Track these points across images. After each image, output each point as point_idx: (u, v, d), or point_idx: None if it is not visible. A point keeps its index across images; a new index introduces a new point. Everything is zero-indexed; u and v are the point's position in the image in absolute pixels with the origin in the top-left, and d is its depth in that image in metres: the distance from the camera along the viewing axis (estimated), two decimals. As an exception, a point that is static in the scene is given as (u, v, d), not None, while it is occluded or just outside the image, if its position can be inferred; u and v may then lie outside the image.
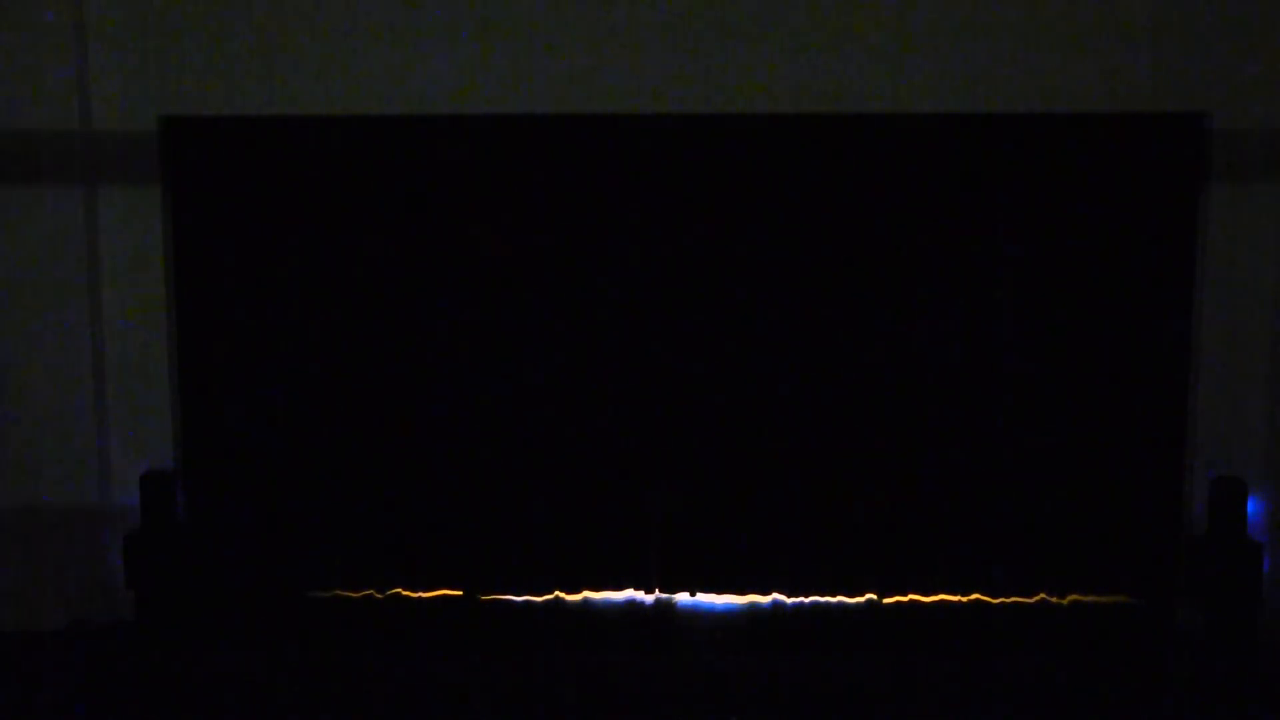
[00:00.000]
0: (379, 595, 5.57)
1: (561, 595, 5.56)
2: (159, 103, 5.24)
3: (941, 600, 5.50)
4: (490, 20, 5.16)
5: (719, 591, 5.54)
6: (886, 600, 5.51)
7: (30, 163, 5.26)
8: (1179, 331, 5.35)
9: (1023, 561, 5.47)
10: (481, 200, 5.44)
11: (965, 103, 5.19)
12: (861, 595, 5.52)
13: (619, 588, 5.57)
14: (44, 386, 5.36)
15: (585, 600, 5.56)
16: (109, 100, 5.23)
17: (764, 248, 5.42)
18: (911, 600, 5.51)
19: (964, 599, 5.50)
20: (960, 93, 5.17)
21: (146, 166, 5.30)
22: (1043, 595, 5.50)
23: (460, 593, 5.57)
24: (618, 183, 5.42)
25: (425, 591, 5.58)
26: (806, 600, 5.53)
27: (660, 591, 5.56)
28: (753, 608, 5.51)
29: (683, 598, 5.54)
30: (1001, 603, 5.49)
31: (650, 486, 5.52)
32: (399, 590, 5.57)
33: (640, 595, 5.55)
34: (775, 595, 5.53)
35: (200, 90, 5.24)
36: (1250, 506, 5.19)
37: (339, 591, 5.58)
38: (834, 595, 5.53)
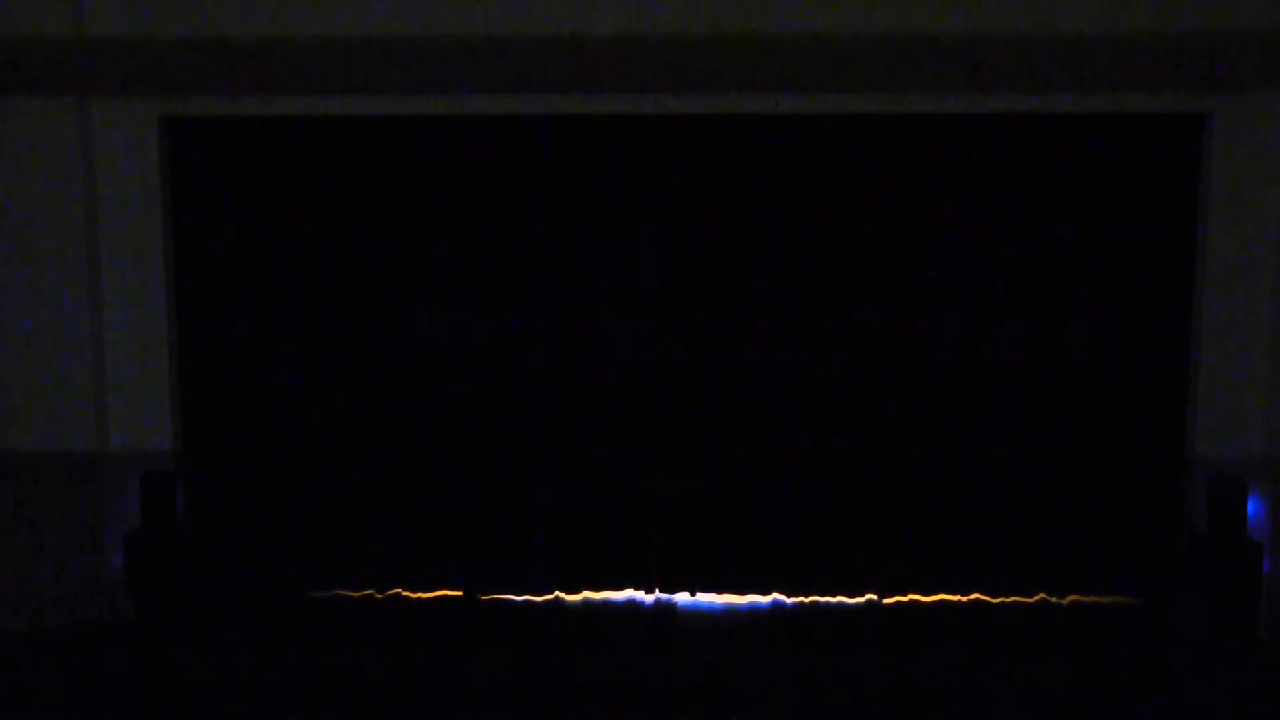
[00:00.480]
0: (379, 595, 5.58)
1: (561, 595, 5.56)
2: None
3: (941, 600, 5.51)
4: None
5: (719, 591, 5.55)
6: (886, 600, 5.51)
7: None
8: (1179, 332, 5.36)
9: (1023, 561, 5.47)
10: (482, 198, 5.44)
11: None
12: (861, 595, 5.53)
13: (619, 588, 5.57)
14: (45, 386, 5.37)
15: (585, 600, 5.56)
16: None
17: (764, 249, 5.42)
18: (911, 600, 5.51)
19: (964, 599, 5.51)
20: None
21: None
22: (1043, 595, 5.50)
23: (460, 593, 5.57)
24: (617, 184, 5.42)
25: (425, 592, 5.58)
26: (806, 600, 5.54)
27: (660, 591, 5.56)
28: (753, 608, 5.52)
29: (683, 598, 5.55)
30: (1001, 603, 5.50)
31: (650, 487, 5.53)
32: (399, 590, 5.58)
33: (640, 595, 5.56)
34: (775, 595, 5.54)
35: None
36: (1250, 506, 5.19)
37: (339, 591, 5.59)
38: (834, 595, 5.53)
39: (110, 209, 5.34)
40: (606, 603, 5.55)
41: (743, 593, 5.53)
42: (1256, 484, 5.25)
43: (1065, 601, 5.48)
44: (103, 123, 5.28)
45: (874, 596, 5.51)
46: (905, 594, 5.51)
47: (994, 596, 5.51)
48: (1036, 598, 5.50)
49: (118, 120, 5.28)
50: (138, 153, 5.32)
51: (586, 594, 5.56)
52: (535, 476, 5.53)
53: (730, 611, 5.50)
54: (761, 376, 5.47)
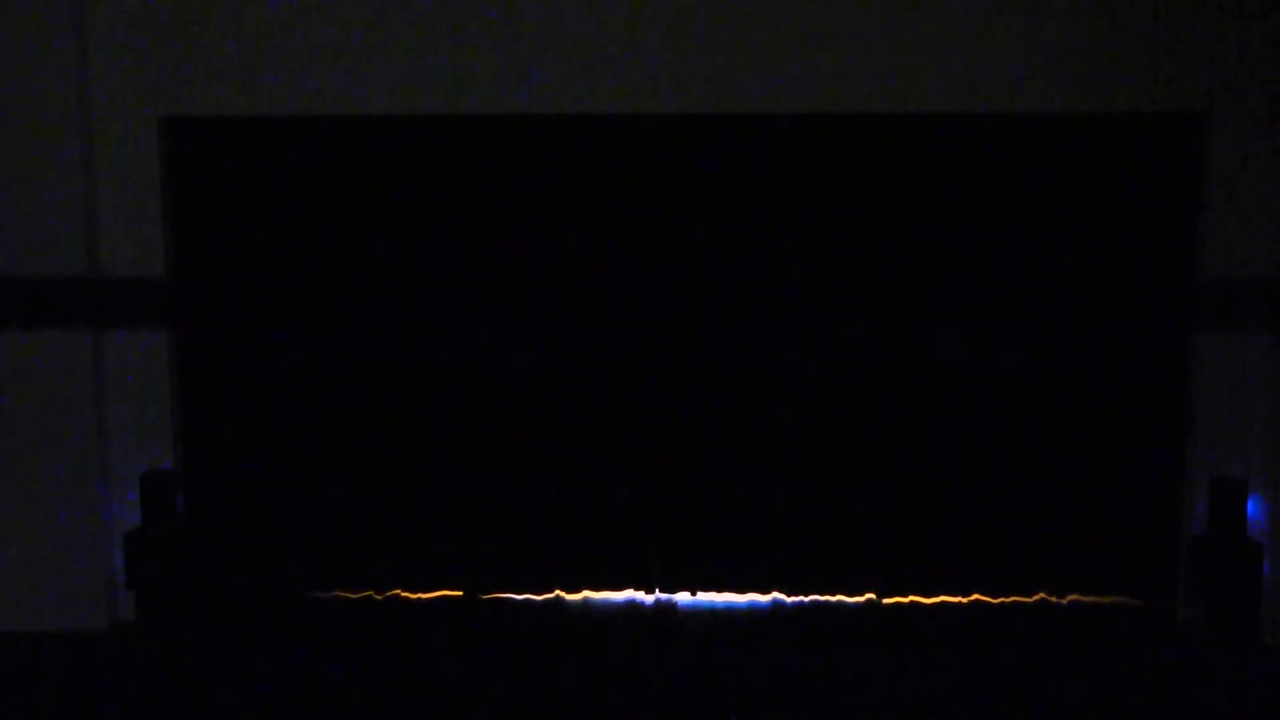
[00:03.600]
0: (378, 596, 5.58)
1: (562, 595, 5.57)
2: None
3: (941, 601, 5.51)
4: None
5: (719, 591, 5.55)
6: (886, 600, 5.51)
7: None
8: (1179, 331, 5.36)
9: (1023, 561, 5.47)
10: (481, 200, 5.44)
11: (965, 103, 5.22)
12: (861, 595, 5.53)
13: (619, 588, 5.57)
14: (45, 387, 5.36)
15: (585, 600, 5.56)
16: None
17: (761, 246, 5.42)
18: (911, 600, 5.51)
19: (964, 599, 5.51)
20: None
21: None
22: (1043, 595, 5.50)
23: (460, 593, 5.57)
24: (616, 183, 5.42)
25: (425, 592, 5.58)
26: (806, 600, 5.54)
27: (660, 591, 5.56)
28: (753, 607, 5.52)
29: (683, 598, 5.55)
30: (1001, 603, 5.50)
31: (650, 486, 5.53)
32: (399, 591, 5.58)
33: (640, 595, 5.56)
34: (775, 595, 5.54)
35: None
36: (1250, 506, 5.19)
37: (338, 592, 5.58)
38: (834, 595, 5.53)
39: (110, 208, 5.33)
40: (606, 603, 5.55)
41: (743, 592, 5.54)
42: (1256, 484, 5.24)
43: (1065, 601, 5.49)
44: (102, 121, 5.28)
45: (874, 596, 5.51)
46: (905, 594, 5.52)
47: (994, 596, 5.51)
48: (1036, 598, 5.50)
49: (117, 119, 5.28)
50: (137, 152, 5.31)
51: (586, 594, 5.56)
52: (535, 476, 5.53)
53: (730, 611, 5.50)
54: (761, 376, 5.48)
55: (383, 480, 5.54)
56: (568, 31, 5.19)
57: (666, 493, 5.53)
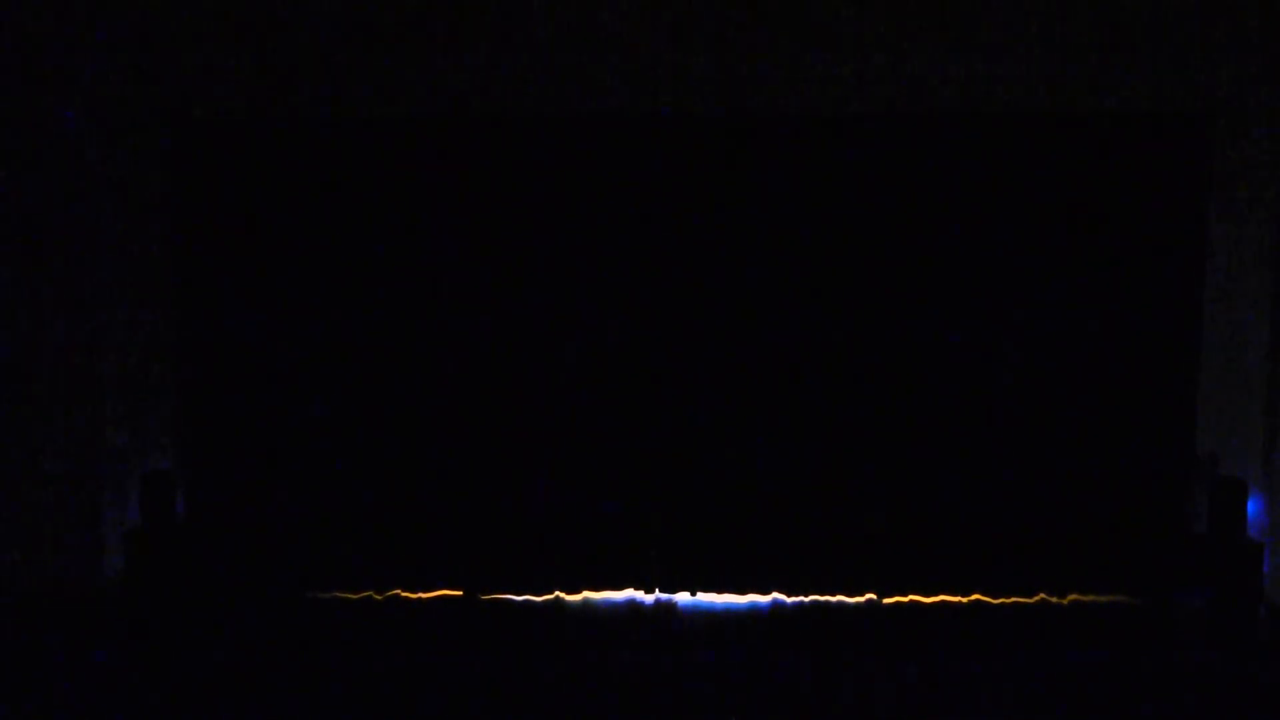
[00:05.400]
0: (378, 596, 5.58)
1: (561, 595, 5.56)
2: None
3: (941, 600, 5.51)
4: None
5: (719, 591, 5.55)
6: (886, 600, 5.51)
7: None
8: (1181, 332, 5.36)
9: (1023, 561, 5.47)
10: (483, 199, 5.44)
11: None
12: (861, 595, 5.53)
13: (619, 588, 5.57)
14: (46, 387, 5.36)
15: (585, 600, 5.56)
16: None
17: (759, 249, 5.43)
18: (911, 600, 5.51)
19: (964, 599, 5.51)
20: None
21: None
22: (1043, 595, 5.50)
23: (460, 593, 5.57)
24: (618, 186, 5.42)
25: (425, 592, 5.58)
26: (806, 600, 5.54)
27: (660, 591, 5.56)
28: (753, 608, 5.52)
29: (683, 598, 5.55)
30: (1001, 603, 5.50)
31: (649, 487, 5.52)
32: (398, 591, 5.58)
33: (640, 595, 5.56)
34: (775, 595, 5.54)
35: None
36: (1250, 506, 5.20)
37: (339, 592, 5.58)
38: (834, 595, 5.53)
39: (111, 208, 5.34)
40: (606, 603, 5.55)
41: (743, 593, 5.53)
42: (1256, 484, 5.25)
43: (1065, 601, 5.48)
44: (105, 123, 5.29)
45: (874, 596, 5.51)
46: (905, 594, 5.51)
47: (994, 597, 5.51)
48: (1036, 598, 5.50)
49: (119, 119, 5.29)
50: (139, 152, 5.32)
51: (586, 594, 5.56)
52: (535, 477, 5.53)
53: (730, 611, 5.49)
54: (762, 376, 5.47)
55: (382, 481, 5.54)
56: (568, 33, 5.21)
57: (666, 493, 5.53)
